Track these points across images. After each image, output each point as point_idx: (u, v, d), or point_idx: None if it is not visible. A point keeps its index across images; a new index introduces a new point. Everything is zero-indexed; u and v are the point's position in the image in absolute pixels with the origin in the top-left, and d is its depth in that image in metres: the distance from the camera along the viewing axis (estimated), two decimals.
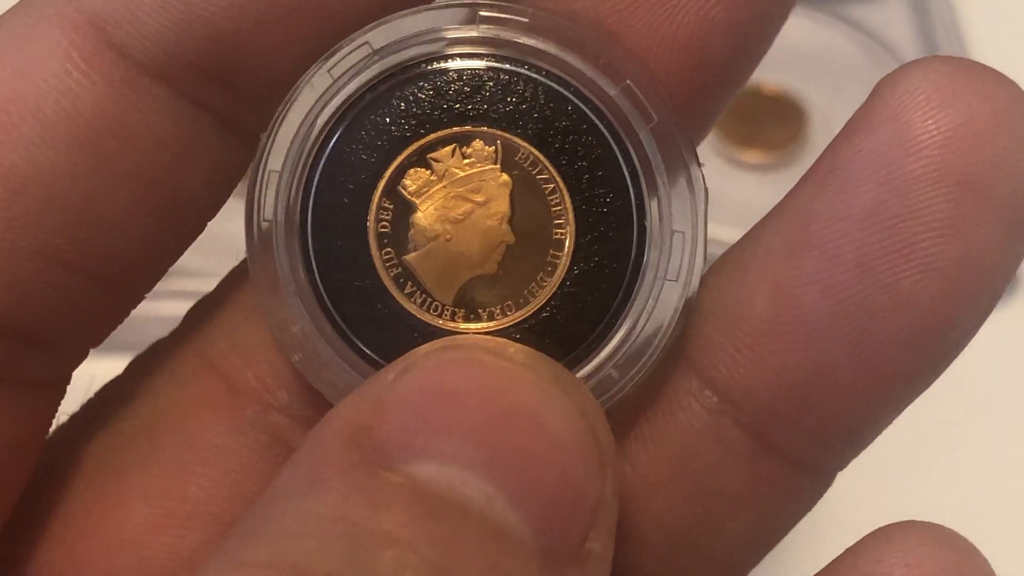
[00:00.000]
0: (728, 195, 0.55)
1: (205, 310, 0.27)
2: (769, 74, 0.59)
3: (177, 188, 0.24)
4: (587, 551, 0.20)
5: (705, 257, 0.24)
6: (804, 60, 0.61)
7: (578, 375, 0.23)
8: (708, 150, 0.56)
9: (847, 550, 0.23)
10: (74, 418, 0.26)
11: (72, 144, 0.22)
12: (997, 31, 0.64)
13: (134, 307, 0.25)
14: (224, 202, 0.25)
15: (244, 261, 0.26)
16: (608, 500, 0.20)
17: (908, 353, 0.22)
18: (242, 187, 0.24)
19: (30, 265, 0.23)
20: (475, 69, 0.23)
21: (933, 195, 0.21)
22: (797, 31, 0.61)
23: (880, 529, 0.23)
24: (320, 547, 0.18)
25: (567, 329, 0.23)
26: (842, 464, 0.25)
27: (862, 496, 0.44)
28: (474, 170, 0.23)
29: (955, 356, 0.23)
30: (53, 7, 0.22)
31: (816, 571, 0.24)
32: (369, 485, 0.19)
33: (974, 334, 0.23)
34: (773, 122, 0.59)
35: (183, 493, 0.25)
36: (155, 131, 0.23)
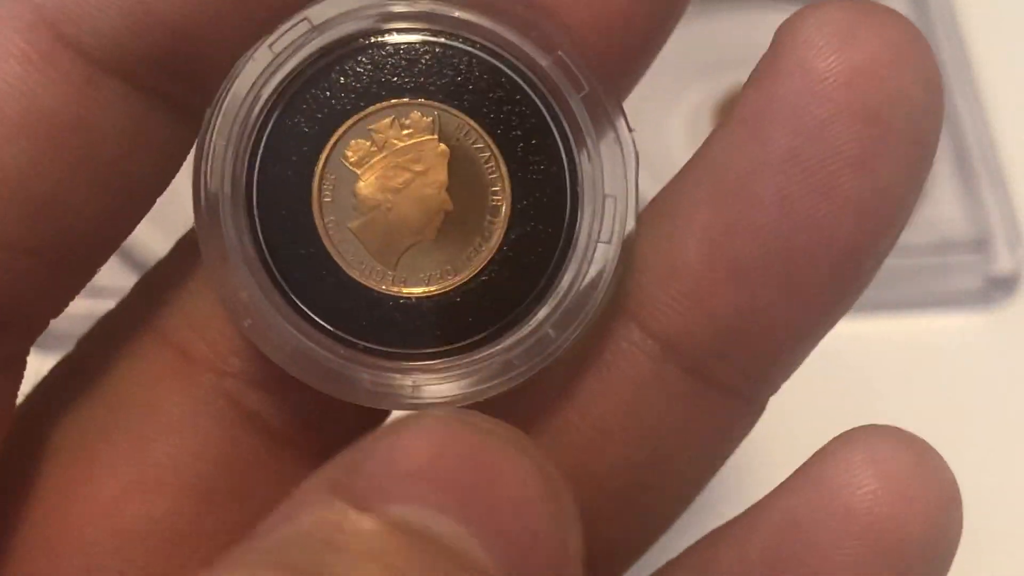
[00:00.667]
0: None
1: (152, 283, 0.28)
2: None
3: (132, 172, 0.25)
4: None
5: (637, 219, 0.24)
6: None
7: (517, 336, 0.24)
8: None
9: (814, 454, 0.25)
10: (28, 398, 0.27)
11: (34, 142, 0.23)
12: (997, 31, 0.64)
13: (89, 280, 0.26)
14: (171, 179, 0.26)
15: (186, 235, 0.27)
16: (572, 555, 0.21)
17: (830, 285, 0.24)
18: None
19: None
20: (412, 43, 0.24)
21: (842, 135, 0.23)
22: None
23: (843, 434, 0.25)
24: (302, 556, 0.19)
25: (505, 292, 0.24)
26: (773, 390, 0.26)
27: None
28: (413, 140, 0.24)
29: (869, 283, 0.24)
30: (6, 8, 0.23)
31: None
32: (347, 518, 0.19)
33: (882, 262, 0.24)
34: None
35: (149, 460, 0.26)
36: (112, 123, 0.24)
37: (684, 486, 0.27)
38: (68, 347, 0.28)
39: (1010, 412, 0.49)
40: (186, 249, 0.27)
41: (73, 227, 0.24)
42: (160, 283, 0.27)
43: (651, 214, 0.25)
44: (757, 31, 0.56)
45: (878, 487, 0.23)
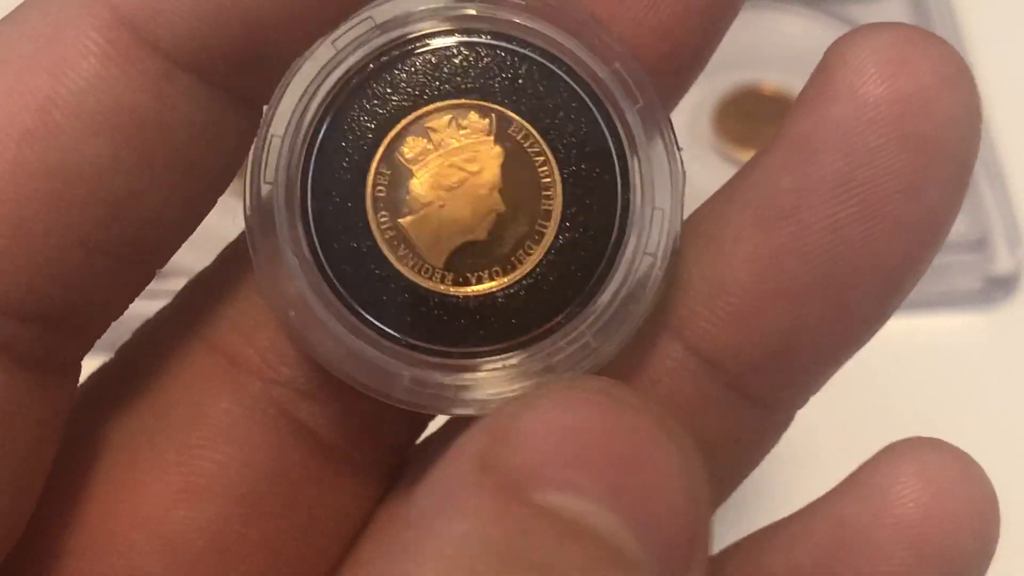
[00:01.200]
0: None
1: (199, 290, 0.28)
2: (768, 74, 0.59)
3: (203, 168, 0.25)
4: None
5: (681, 234, 0.25)
6: (804, 60, 0.61)
7: (560, 340, 0.25)
8: (707, 149, 0.56)
9: (861, 466, 0.26)
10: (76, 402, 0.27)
11: (114, 139, 0.23)
12: (997, 32, 0.65)
13: (150, 282, 0.26)
14: (234, 174, 0.26)
15: (231, 244, 0.27)
16: (708, 536, 0.21)
17: (875, 305, 0.25)
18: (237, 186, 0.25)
19: (72, 256, 0.23)
20: (474, 45, 0.25)
21: (893, 161, 0.23)
22: (797, 31, 0.62)
23: (890, 446, 0.26)
24: (473, 569, 0.19)
25: (550, 296, 0.25)
26: (803, 403, 0.27)
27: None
28: (469, 141, 0.24)
29: (903, 301, 0.25)
30: (79, 5, 0.23)
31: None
32: (509, 511, 0.20)
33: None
34: (772, 122, 0.59)
35: (196, 468, 0.26)
36: (186, 118, 0.24)
37: (713, 494, 0.27)
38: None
39: (1010, 412, 0.50)
40: (232, 257, 0.27)
41: (146, 225, 0.24)
42: (208, 291, 0.27)
43: (694, 232, 0.26)
44: (757, 32, 0.57)
45: (928, 498, 0.24)
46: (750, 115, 0.59)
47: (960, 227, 0.52)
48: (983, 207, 0.53)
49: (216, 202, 0.26)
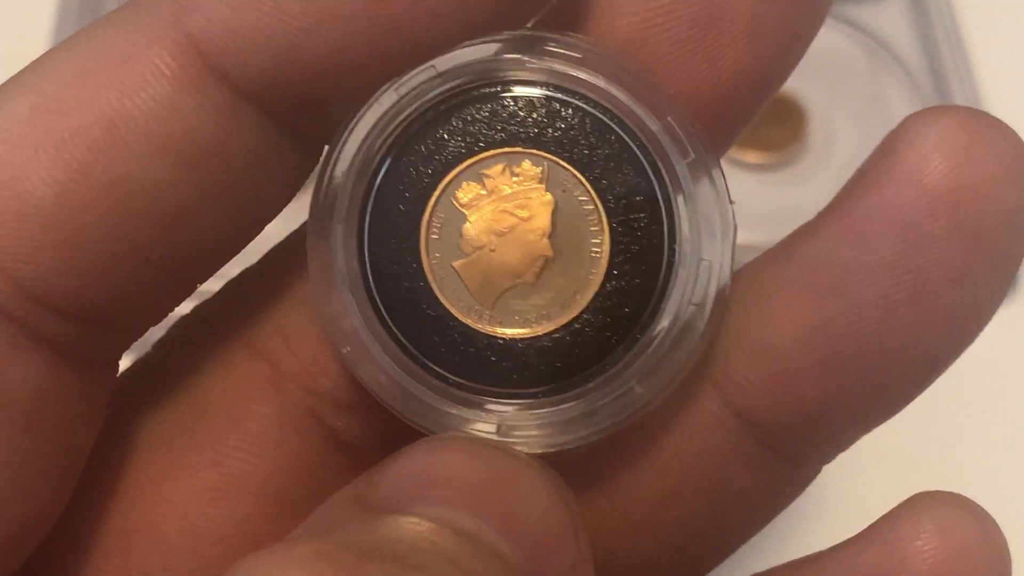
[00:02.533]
0: None
1: (243, 293, 0.28)
2: None
3: (255, 196, 0.26)
4: None
5: (729, 283, 0.26)
6: (803, 60, 0.62)
7: (603, 386, 0.25)
8: None
9: (881, 518, 0.27)
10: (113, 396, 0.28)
11: (176, 161, 0.24)
12: (996, 32, 0.65)
13: (191, 294, 0.27)
14: (284, 206, 0.27)
15: (277, 247, 0.28)
16: (584, 559, 0.23)
17: (913, 383, 0.26)
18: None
19: (123, 265, 0.24)
20: (529, 95, 0.25)
21: (949, 250, 0.24)
22: None
23: (910, 499, 0.26)
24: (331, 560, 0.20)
25: (596, 342, 0.25)
26: (831, 460, 0.28)
27: (866, 495, 0.46)
28: (521, 188, 0.25)
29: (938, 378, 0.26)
30: (156, 28, 0.24)
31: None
32: (373, 521, 0.21)
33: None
34: (773, 122, 0.60)
35: (232, 469, 0.27)
36: (245, 148, 0.24)
37: (736, 540, 0.29)
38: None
39: (1010, 411, 0.51)
40: (280, 261, 0.28)
41: (195, 244, 0.25)
42: (252, 294, 0.28)
43: (746, 289, 0.26)
44: None
45: (945, 557, 0.25)
46: None
47: None
48: None
49: (263, 229, 0.27)
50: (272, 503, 0.28)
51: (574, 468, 0.25)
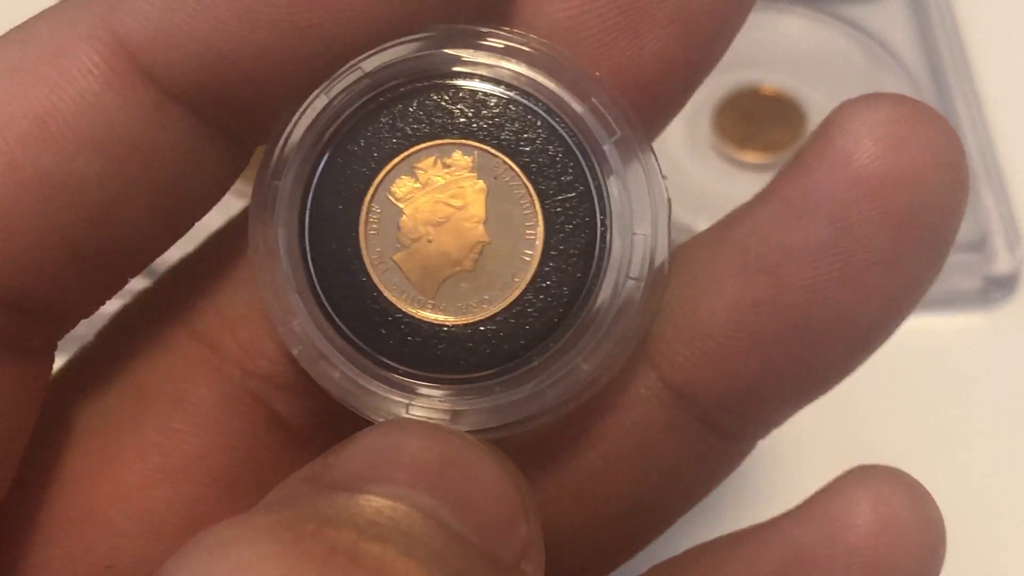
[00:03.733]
0: (727, 195, 0.55)
1: (181, 278, 0.29)
2: (768, 75, 0.60)
3: (183, 195, 0.26)
4: (523, 572, 0.23)
5: (668, 257, 0.26)
6: (803, 60, 0.62)
7: (549, 365, 0.26)
8: (707, 150, 0.57)
9: (819, 491, 0.27)
10: (52, 384, 0.29)
11: (103, 156, 0.25)
12: (996, 32, 0.65)
13: (122, 288, 0.28)
14: (214, 205, 0.27)
15: (215, 232, 0.29)
16: (535, 540, 0.23)
17: (841, 362, 0.26)
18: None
19: (52, 255, 0.25)
20: (455, 87, 0.26)
21: (878, 233, 0.24)
22: (796, 31, 0.62)
23: (847, 473, 0.27)
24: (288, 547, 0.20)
25: (538, 322, 0.26)
26: (765, 436, 0.29)
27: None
28: (453, 178, 0.26)
29: (870, 356, 0.27)
30: (86, 27, 0.25)
31: None
32: (329, 497, 0.22)
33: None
34: (772, 123, 0.60)
35: (176, 450, 0.28)
36: (173, 147, 0.25)
37: (673, 512, 0.29)
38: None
39: (1010, 412, 0.50)
40: (216, 247, 0.29)
41: (122, 238, 0.26)
42: (192, 279, 0.29)
43: (681, 268, 0.27)
44: (757, 32, 0.58)
45: (879, 528, 0.26)
46: (750, 115, 0.59)
47: (960, 227, 0.53)
48: (983, 208, 0.53)
49: (193, 225, 0.28)
50: (217, 484, 0.28)
51: (518, 443, 0.25)
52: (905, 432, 0.43)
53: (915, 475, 0.49)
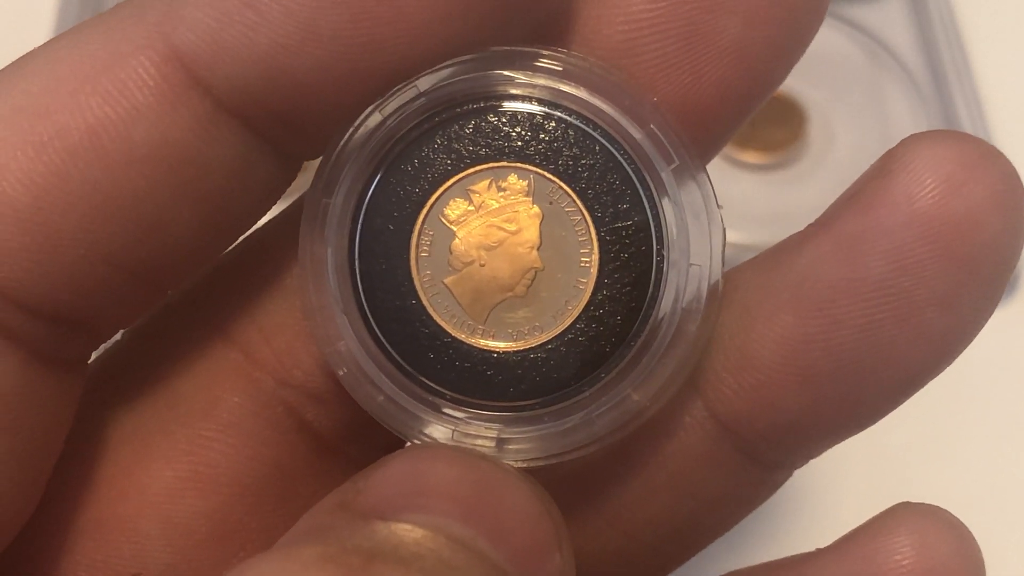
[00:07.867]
0: (727, 195, 0.55)
1: (219, 282, 0.29)
2: None
3: (231, 208, 0.26)
4: None
5: (721, 289, 0.26)
6: (803, 60, 0.62)
7: (599, 395, 0.26)
8: None
9: (859, 528, 0.27)
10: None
11: (154, 170, 0.24)
12: (996, 32, 0.65)
13: (164, 300, 0.27)
14: (260, 218, 0.27)
15: (250, 236, 0.28)
16: (568, 569, 0.23)
17: (889, 400, 0.26)
18: None
19: (97, 269, 0.24)
20: (512, 110, 0.25)
21: (938, 274, 0.24)
22: None
23: (889, 510, 0.27)
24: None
25: (589, 351, 0.25)
26: (803, 465, 0.28)
27: (862, 495, 0.46)
28: (508, 202, 0.25)
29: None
30: (141, 37, 0.24)
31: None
32: (366, 527, 0.22)
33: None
34: (772, 123, 0.60)
35: (205, 459, 0.28)
36: (224, 160, 0.25)
37: (706, 538, 0.29)
38: None
39: (1010, 411, 0.51)
40: (256, 251, 0.28)
41: (167, 252, 0.25)
42: (229, 283, 0.28)
43: (732, 298, 0.27)
44: None
45: (921, 570, 0.25)
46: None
47: None
48: None
49: (238, 239, 0.27)
50: (245, 493, 0.28)
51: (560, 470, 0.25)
52: (906, 430, 0.43)
53: (914, 473, 0.50)
